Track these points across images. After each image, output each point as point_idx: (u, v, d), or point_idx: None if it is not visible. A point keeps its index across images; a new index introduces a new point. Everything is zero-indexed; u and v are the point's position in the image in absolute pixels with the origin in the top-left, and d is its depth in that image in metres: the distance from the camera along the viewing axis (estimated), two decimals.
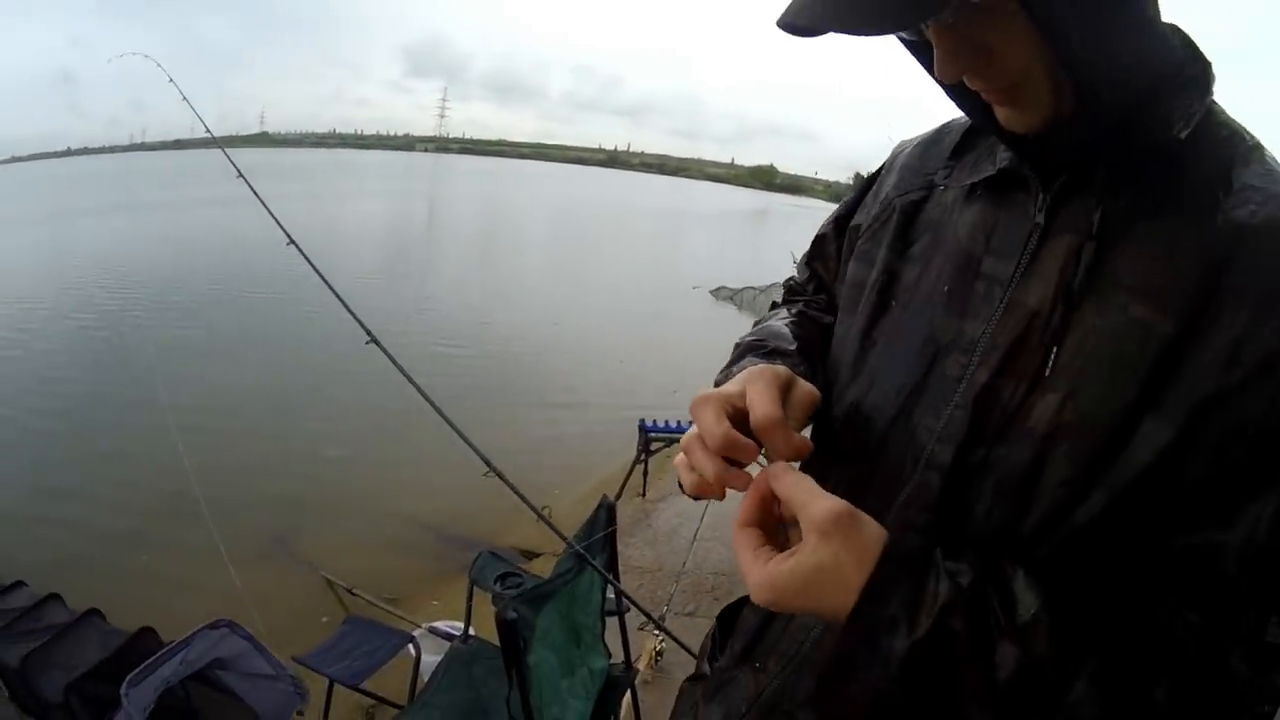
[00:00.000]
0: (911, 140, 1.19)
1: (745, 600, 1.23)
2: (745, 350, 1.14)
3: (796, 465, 0.90)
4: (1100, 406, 0.82)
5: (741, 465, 0.88)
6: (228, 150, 4.22)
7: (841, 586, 0.79)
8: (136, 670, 3.38)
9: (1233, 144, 0.87)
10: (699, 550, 5.47)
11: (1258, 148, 0.87)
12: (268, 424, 9.98)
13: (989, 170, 0.99)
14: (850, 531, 0.80)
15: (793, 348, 1.13)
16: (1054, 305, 0.87)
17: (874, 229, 1.13)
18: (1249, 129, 0.89)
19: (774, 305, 1.35)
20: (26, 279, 19.95)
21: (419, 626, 4.29)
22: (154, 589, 5.87)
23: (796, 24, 0.79)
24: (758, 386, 0.90)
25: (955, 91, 0.93)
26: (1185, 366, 0.79)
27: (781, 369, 0.96)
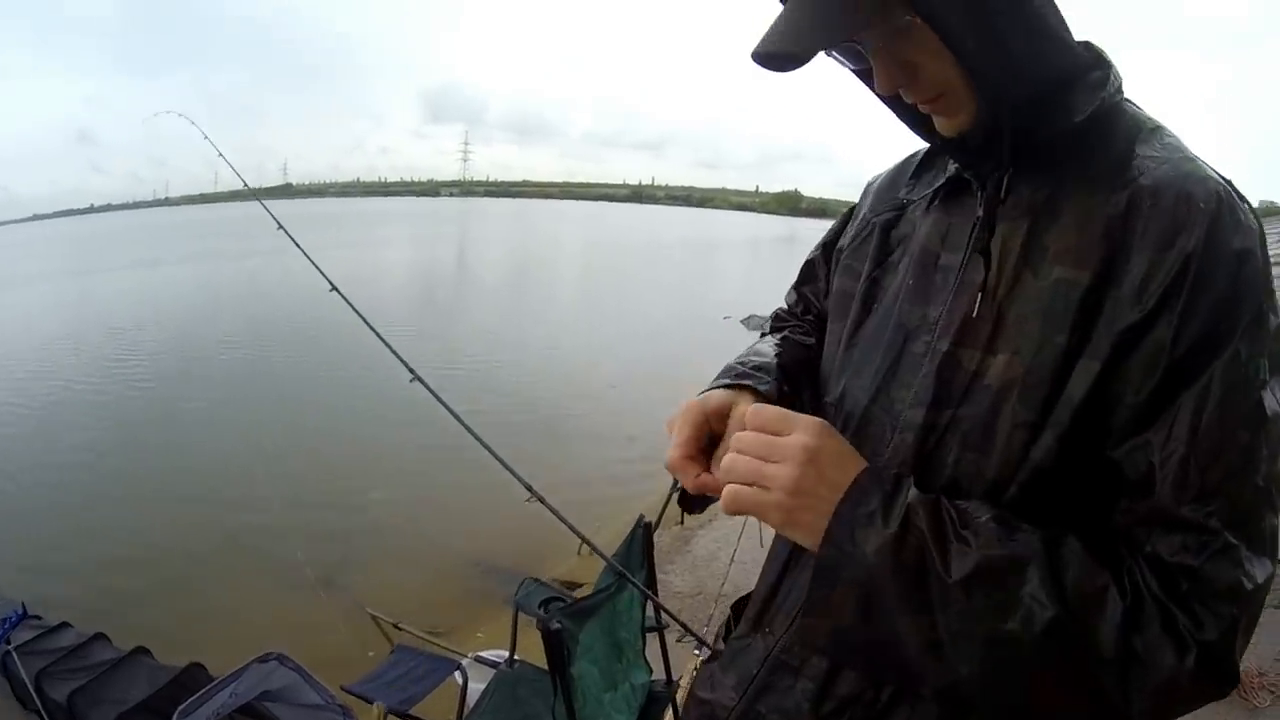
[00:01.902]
0: (882, 172, 1.39)
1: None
2: (721, 374, 1.30)
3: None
4: (1038, 356, 0.99)
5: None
6: (245, 201, 4.38)
7: (830, 488, 0.98)
8: (188, 702, 3.38)
9: (1136, 129, 1.04)
10: (736, 573, 5.52)
11: (1156, 129, 1.04)
12: (312, 465, 10.11)
13: (941, 181, 1.19)
14: (837, 437, 1.03)
15: (772, 362, 1.31)
16: (995, 280, 1.04)
17: (855, 245, 1.32)
18: (1152, 116, 1.07)
19: (763, 334, 1.54)
20: (74, 328, 20.53)
21: (465, 656, 4.33)
22: (201, 629, 5.96)
23: (766, 53, 0.99)
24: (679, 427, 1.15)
25: (900, 109, 1.13)
26: (1105, 309, 0.95)
27: (713, 398, 1.19)
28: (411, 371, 3.51)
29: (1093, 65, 1.07)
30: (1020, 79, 0.99)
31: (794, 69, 1.03)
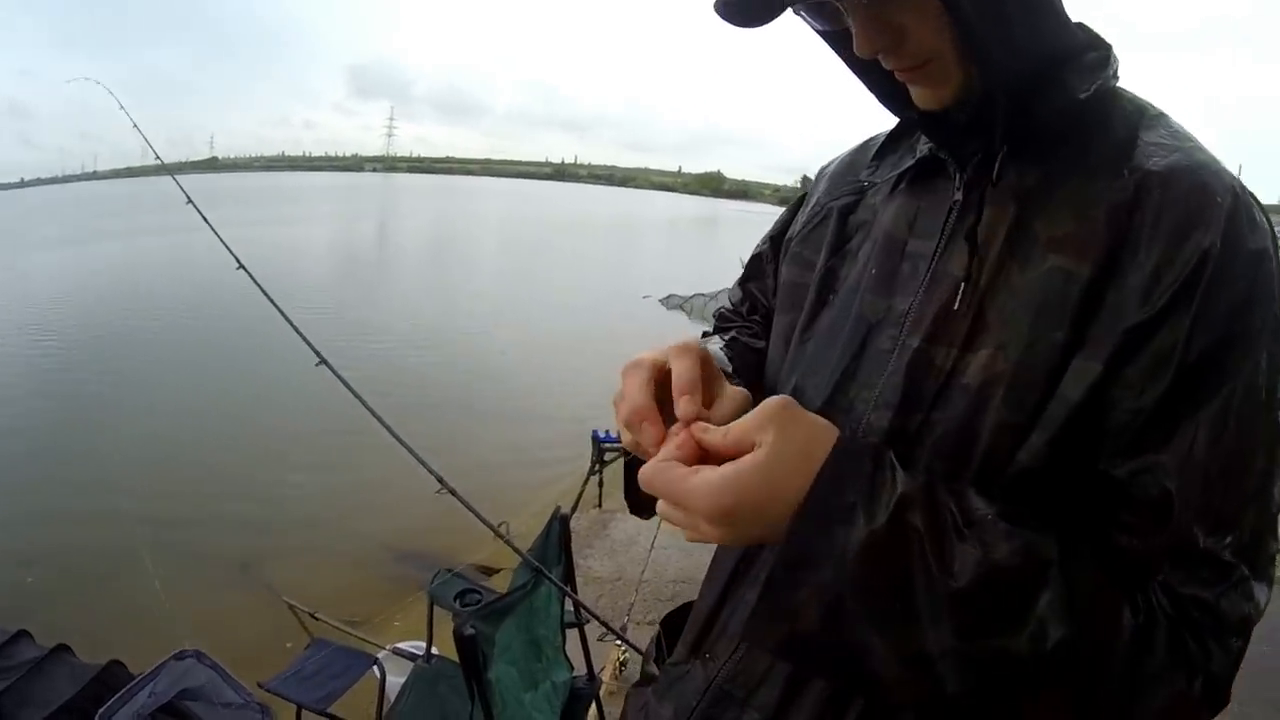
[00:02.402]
0: (836, 157, 1.26)
1: (691, 603, 1.25)
2: None
3: None
4: (1029, 352, 0.87)
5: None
6: (177, 176, 4.22)
7: (792, 479, 0.79)
8: (108, 704, 3.33)
9: (1138, 115, 0.94)
10: (657, 559, 5.46)
11: (1161, 115, 0.94)
12: (225, 452, 9.89)
13: (908, 162, 1.05)
14: (797, 415, 0.82)
15: (729, 369, 1.14)
16: (977, 270, 0.92)
17: (807, 232, 1.19)
18: (1154, 103, 0.97)
19: (705, 335, 1.35)
20: None
21: (383, 648, 4.24)
22: (121, 622, 5.82)
23: (732, 2, 0.89)
24: (633, 380, 0.92)
25: (872, 78, 1.02)
26: (1107, 304, 0.84)
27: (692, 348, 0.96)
28: (318, 355, 3.37)
29: (1089, 45, 0.96)
30: (1017, 51, 0.88)
31: (762, 25, 0.92)
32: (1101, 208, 0.87)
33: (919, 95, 0.96)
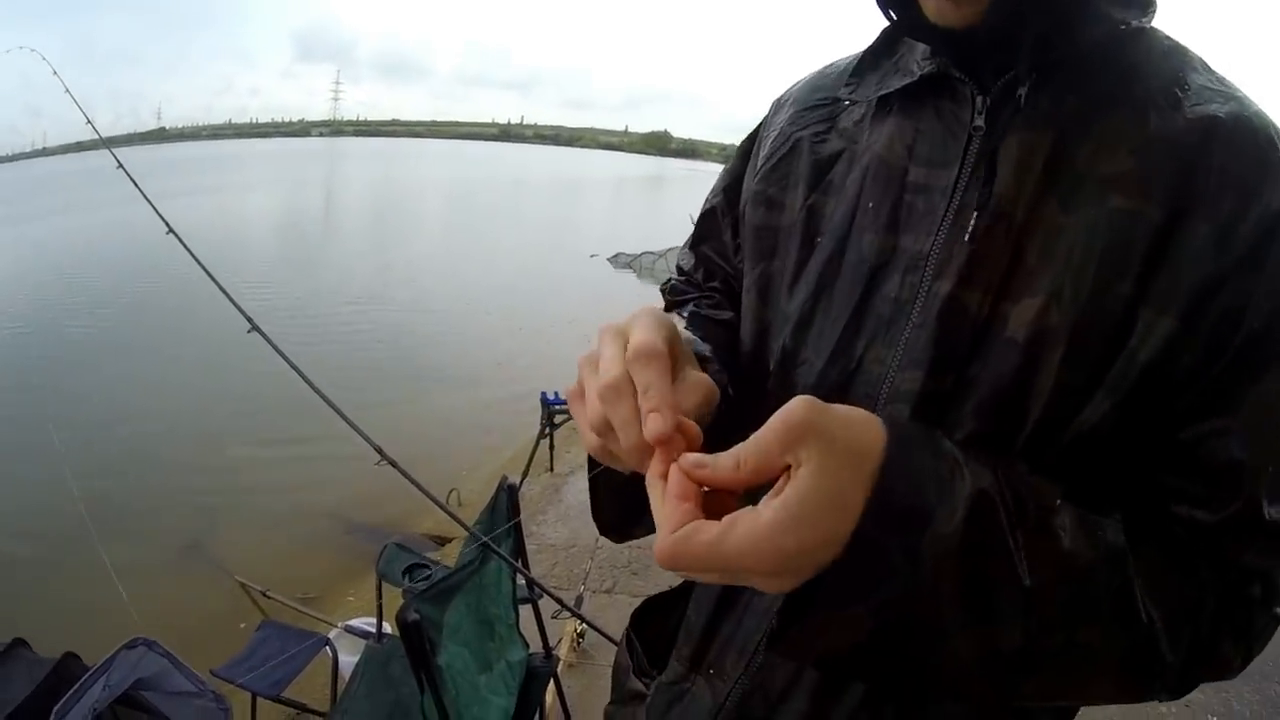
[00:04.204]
0: (794, 85, 1.08)
1: (663, 599, 1.11)
2: None
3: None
4: (1093, 304, 0.77)
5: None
6: (125, 148, 4.15)
7: (852, 492, 0.63)
8: (63, 700, 3.25)
9: (1179, 54, 0.85)
10: None
11: (1202, 60, 0.85)
12: (162, 427, 9.59)
13: (901, 81, 0.90)
14: (829, 413, 0.64)
15: (706, 351, 0.94)
16: (1015, 206, 0.80)
17: (770, 167, 1.01)
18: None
19: None
20: None
21: (335, 626, 4.19)
22: (73, 609, 5.67)
23: None
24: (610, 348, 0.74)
25: None
26: (1175, 253, 0.76)
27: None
28: (249, 320, 3.31)
29: None
30: None
31: None
32: (1164, 146, 0.78)
33: (938, 8, 0.80)
